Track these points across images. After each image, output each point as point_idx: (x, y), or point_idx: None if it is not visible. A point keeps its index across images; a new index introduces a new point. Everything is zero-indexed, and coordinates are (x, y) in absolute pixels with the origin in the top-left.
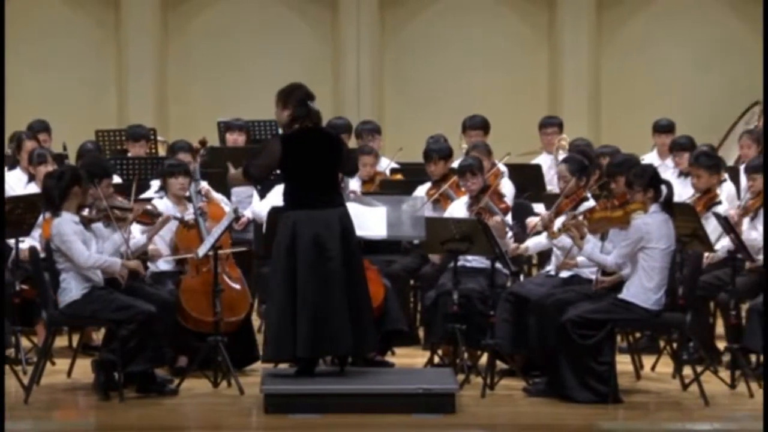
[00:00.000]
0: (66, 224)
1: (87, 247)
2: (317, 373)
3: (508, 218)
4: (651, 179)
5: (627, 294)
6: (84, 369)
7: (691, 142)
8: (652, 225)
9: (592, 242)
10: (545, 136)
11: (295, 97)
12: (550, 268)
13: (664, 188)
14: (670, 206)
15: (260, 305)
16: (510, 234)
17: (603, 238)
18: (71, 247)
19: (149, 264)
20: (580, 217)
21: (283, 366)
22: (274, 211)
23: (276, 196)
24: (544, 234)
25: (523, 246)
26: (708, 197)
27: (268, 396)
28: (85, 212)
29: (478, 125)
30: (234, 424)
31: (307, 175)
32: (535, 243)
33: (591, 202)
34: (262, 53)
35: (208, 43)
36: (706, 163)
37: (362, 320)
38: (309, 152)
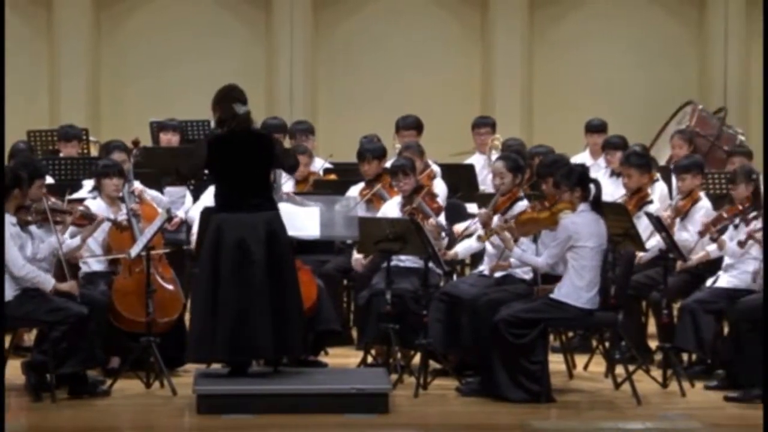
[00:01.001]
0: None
1: (24, 249)
2: (250, 373)
3: (441, 218)
4: (578, 179)
5: (559, 294)
6: (15, 370)
7: (624, 142)
8: (580, 224)
9: (523, 244)
10: (478, 137)
11: (223, 99)
12: (483, 268)
13: (592, 187)
14: (599, 205)
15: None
16: (444, 236)
17: (536, 240)
18: (7, 252)
19: (80, 264)
20: (510, 221)
21: (216, 366)
22: (206, 212)
23: (209, 197)
24: (474, 237)
25: (452, 252)
26: (639, 197)
27: (201, 396)
28: (27, 213)
29: (411, 125)
30: (166, 425)
31: (234, 177)
32: (464, 247)
33: (524, 202)
34: (196, 53)
35: (141, 42)
36: (636, 163)
37: (287, 325)
38: (235, 154)
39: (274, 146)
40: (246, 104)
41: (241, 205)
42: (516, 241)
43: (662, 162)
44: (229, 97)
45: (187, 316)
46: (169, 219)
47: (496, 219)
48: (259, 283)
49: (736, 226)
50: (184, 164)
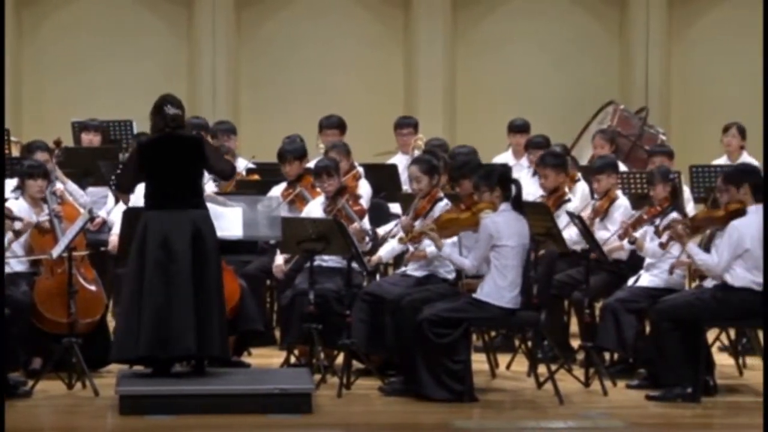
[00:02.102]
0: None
1: None
2: (173, 373)
3: (365, 221)
4: (498, 179)
5: (481, 293)
6: None
7: (546, 141)
8: (500, 223)
9: (449, 244)
10: (401, 137)
11: (158, 105)
12: (407, 267)
13: (513, 186)
14: (519, 204)
15: (115, 306)
16: (368, 240)
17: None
18: None
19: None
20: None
21: (138, 367)
22: (128, 212)
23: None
24: (397, 239)
25: (375, 257)
26: (557, 196)
27: (123, 397)
28: None
29: (334, 125)
30: (89, 426)
31: (162, 177)
32: (387, 250)
33: (445, 202)
34: (118, 52)
35: (63, 42)
36: (552, 163)
37: (210, 324)
38: (163, 156)
39: (203, 149)
40: (178, 108)
41: (169, 204)
42: (442, 238)
43: (585, 162)
44: (162, 103)
45: (109, 317)
46: (91, 219)
47: (418, 223)
48: (182, 280)
49: (656, 227)
50: (119, 176)
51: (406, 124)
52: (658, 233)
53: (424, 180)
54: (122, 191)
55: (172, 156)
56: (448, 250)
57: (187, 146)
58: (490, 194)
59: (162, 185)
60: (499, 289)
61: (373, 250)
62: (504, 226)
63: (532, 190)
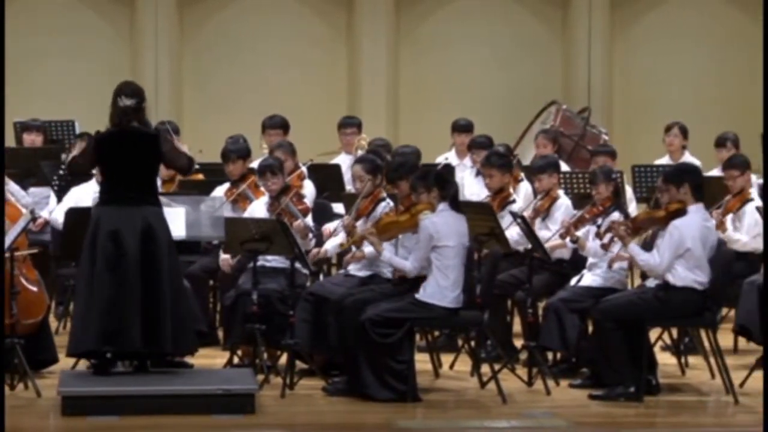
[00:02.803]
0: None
1: None
2: (115, 373)
3: (309, 219)
4: (435, 179)
5: (424, 295)
6: None
7: (489, 141)
8: (440, 224)
9: (389, 247)
10: (344, 136)
11: (112, 96)
12: (350, 267)
13: (450, 186)
14: (457, 203)
15: (57, 307)
16: (311, 237)
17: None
18: None
19: None
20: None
21: (81, 367)
22: (71, 212)
23: (72, 198)
24: (342, 235)
25: (322, 249)
26: (502, 196)
27: (66, 398)
28: None
29: (277, 125)
30: (31, 427)
31: (116, 172)
32: (333, 245)
33: (389, 203)
34: (60, 52)
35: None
36: (497, 163)
37: (161, 320)
38: (117, 151)
39: (159, 144)
40: (133, 98)
41: (121, 199)
42: (382, 241)
43: (527, 162)
44: (117, 94)
45: (51, 318)
46: (33, 220)
47: (360, 223)
48: (131, 275)
49: (598, 227)
50: (74, 158)
51: (350, 124)
52: (599, 235)
53: (368, 180)
54: (73, 173)
55: (127, 151)
56: (389, 253)
57: (143, 141)
58: (428, 195)
59: (115, 181)
60: (442, 289)
61: (317, 247)
62: (443, 226)
63: (475, 190)
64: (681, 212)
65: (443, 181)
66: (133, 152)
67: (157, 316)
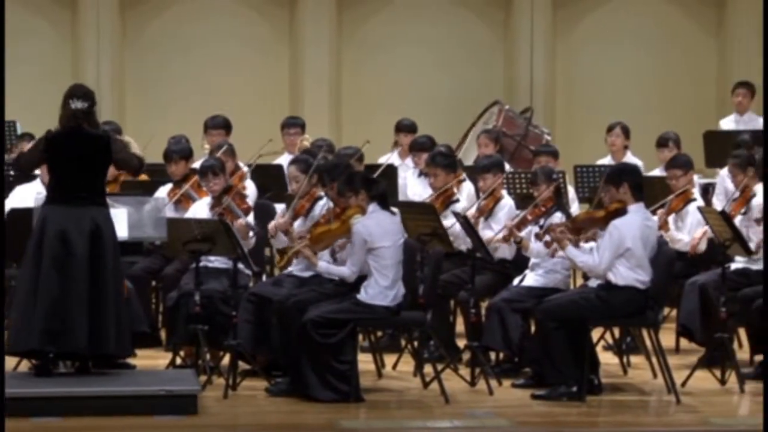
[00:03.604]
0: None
1: None
2: (57, 374)
3: (251, 219)
4: (360, 181)
5: (365, 296)
6: None
7: (431, 142)
8: (372, 226)
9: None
10: (287, 137)
11: (63, 98)
12: (293, 268)
13: (376, 186)
14: (386, 201)
15: None
16: (252, 235)
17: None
18: None
19: None
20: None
21: (23, 368)
22: (12, 213)
23: (15, 198)
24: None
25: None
26: (445, 196)
27: (8, 399)
28: None
29: (219, 125)
30: None
31: (65, 172)
32: (281, 241)
33: (326, 201)
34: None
35: None
36: (442, 163)
37: (105, 321)
38: (67, 151)
39: (110, 147)
40: (84, 101)
41: (69, 199)
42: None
43: (470, 162)
44: (68, 96)
45: None
46: None
47: (298, 223)
48: (78, 275)
49: (540, 227)
50: (23, 156)
51: (293, 124)
52: (539, 237)
53: (303, 180)
54: (20, 168)
55: (76, 152)
56: (325, 264)
57: (93, 144)
58: (356, 198)
59: (64, 180)
60: (383, 289)
61: (258, 248)
62: (376, 228)
63: (418, 190)
64: (621, 212)
65: (369, 182)
66: (83, 154)
67: (102, 318)
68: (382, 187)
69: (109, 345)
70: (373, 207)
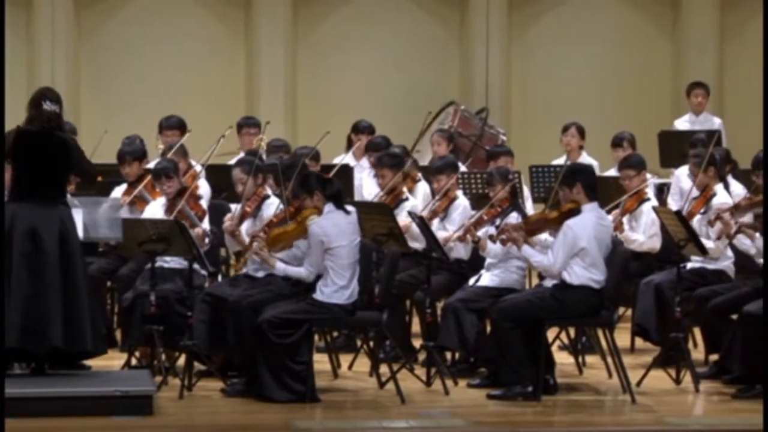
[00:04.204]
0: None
1: None
2: (12, 375)
3: (205, 221)
4: (315, 182)
5: (321, 296)
6: None
7: (387, 142)
8: (328, 226)
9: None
10: (244, 137)
11: (35, 99)
12: (247, 268)
13: (331, 185)
14: (341, 201)
15: None
16: (208, 243)
17: None
18: None
19: None
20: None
21: None
22: None
23: None
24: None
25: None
26: (394, 195)
27: None
28: None
29: (174, 125)
30: None
31: (33, 170)
32: (230, 241)
33: (273, 200)
34: None
35: None
36: (388, 162)
37: (79, 320)
38: (37, 150)
39: (70, 152)
40: (56, 103)
41: (38, 197)
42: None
43: (426, 162)
44: (40, 97)
45: None
46: None
47: (247, 224)
48: (50, 273)
49: (496, 227)
50: None
51: (250, 125)
52: (492, 239)
53: (249, 181)
54: None
55: (47, 152)
56: (282, 265)
57: (63, 145)
58: (311, 199)
59: (32, 178)
60: (339, 288)
61: (213, 249)
62: (332, 228)
63: (373, 190)
64: (575, 212)
65: (324, 182)
66: (53, 155)
67: (77, 316)
68: (337, 187)
69: (86, 342)
70: (329, 207)
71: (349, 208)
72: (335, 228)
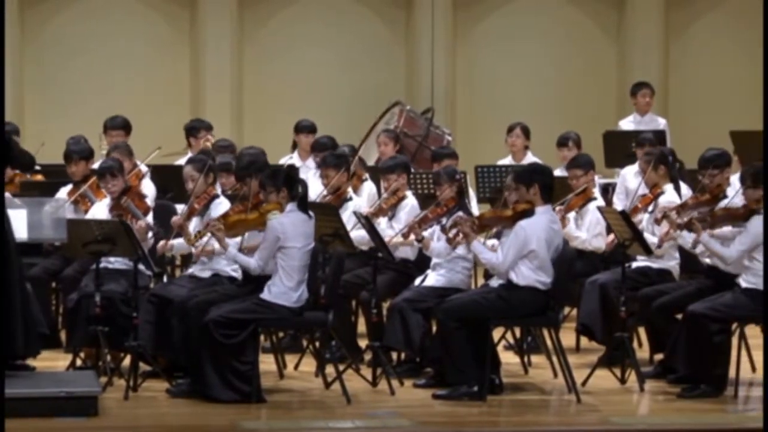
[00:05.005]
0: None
1: None
2: None
3: (150, 219)
4: (284, 179)
5: (269, 295)
6: None
7: (333, 142)
8: (287, 225)
9: (232, 244)
10: (196, 139)
11: None
12: (193, 269)
13: (299, 187)
14: (305, 205)
15: None
16: (151, 236)
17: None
18: None
19: None
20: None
21: None
22: None
23: None
24: (183, 239)
25: (168, 244)
26: (337, 195)
27: None
28: None
29: (118, 125)
30: None
31: None
32: (179, 243)
33: (222, 200)
34: None
35: None
36: (333, 163)
37: (11, 322)
38: None
39: (11, 148)
40: None
41: None
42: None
43: (371, 162)
44: None
45: None
46: None
47: (193, 222)
48: None
49: (443, 226)
50: None
51: (205, 127)
52: (444, 231)
53: (199, 179)
54: None
55: None
56: (234, 250)
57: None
58: (277, 195)
59: None
60: (287, 290)
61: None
62: (291, 227)
63: (319, 190)
64: (528, 213)
65: (292, 182)
66: None
67: (9, 318)
68: (304, 190)
69: (17, 345)
70: (291, 207)
71: (311, 212)
72: (293, 228)
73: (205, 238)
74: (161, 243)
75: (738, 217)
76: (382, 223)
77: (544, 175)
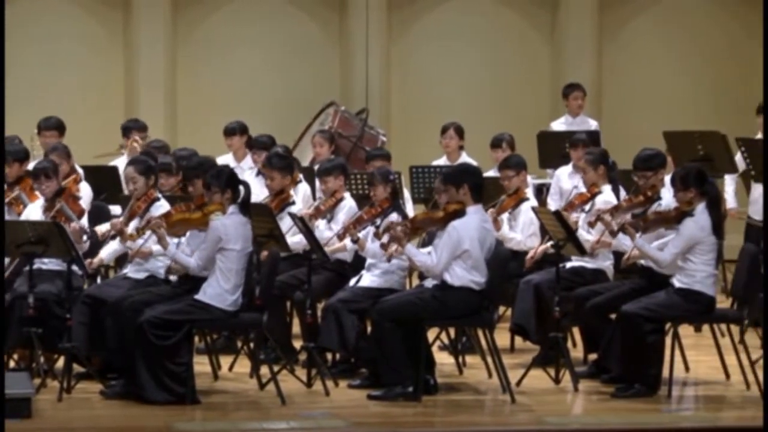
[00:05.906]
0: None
1: None
2: None
3: (84, 221)
4: (228, 180)
5: (204, 296)
6: None
7: (272, 141)
8: (229, 226)
9: (173, 244)
10: (125, 138)
11: None
12: (128, 270)
13: (242, 189)
14: (247, 207)
15: None
16: (86, 239)
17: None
18: None
19: None
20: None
21: None
22: None
23: None
24: (118, 239)
25: (97, 259)
26: (281, 198)
27: None
28: None
29: (52, 126)
30: None
31: None
32: (109, 252)
33: (163, 202)
34: None
35: None
36: (278, 165)
37: None
38: None
39: None
40: None
41: None
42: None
43: (306, 162)
44: None
45: None
46: None
47: (133, 224)
48: None
49: (377, 227)
50: None
51: (142, 128)
52: (377, 235)
53: (140, 180)
54: None
55: None
56: (173, 248)
57: None
58: (221, 195)
59: None
60: (223, 291)
61: (92, 250)
62: (232, 229)
63: (256, 190)
64: (460, 213)
65: (236, 184)
66: None
67: None
68: (247, 194)
69: None
70: (233, 209)
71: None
72: (234, 230)
73: (144, 237)
74: (87, 261)
75: (670, 220)
76: (320, 225)
77: (472, 175)
